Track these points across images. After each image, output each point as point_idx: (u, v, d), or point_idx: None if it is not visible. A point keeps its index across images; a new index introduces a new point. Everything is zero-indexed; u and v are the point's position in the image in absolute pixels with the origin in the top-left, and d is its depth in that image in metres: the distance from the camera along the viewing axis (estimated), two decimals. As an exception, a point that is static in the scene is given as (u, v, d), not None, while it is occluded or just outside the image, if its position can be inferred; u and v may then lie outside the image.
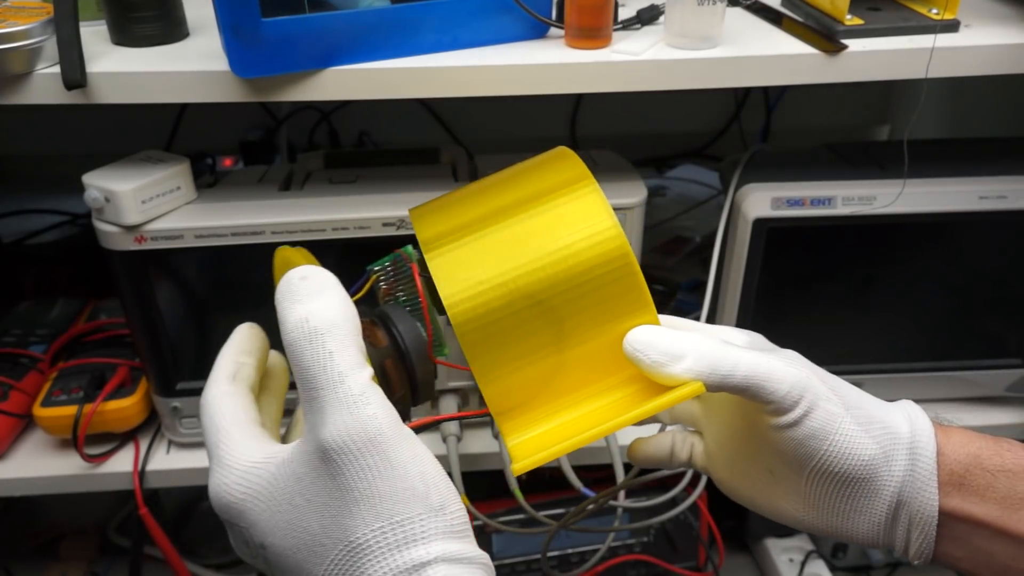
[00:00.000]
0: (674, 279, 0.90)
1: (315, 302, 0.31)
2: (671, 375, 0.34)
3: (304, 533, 0.30)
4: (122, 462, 0.73)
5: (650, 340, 0.34)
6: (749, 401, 0.36)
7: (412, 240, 0.38)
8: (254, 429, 0.34)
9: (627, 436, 0.48)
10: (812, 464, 0.36)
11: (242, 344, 0.37)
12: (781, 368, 0.35)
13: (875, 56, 0.58)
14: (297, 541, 0.30)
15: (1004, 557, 0.36)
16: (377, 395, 0.30)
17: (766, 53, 0.58)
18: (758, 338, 0.40)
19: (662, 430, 0.48)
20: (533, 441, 0.34)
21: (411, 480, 0.29)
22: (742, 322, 0.73)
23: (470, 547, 0.30)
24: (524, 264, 0.34)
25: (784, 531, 0.97)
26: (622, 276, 0.34)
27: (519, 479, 0.70)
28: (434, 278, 0.34)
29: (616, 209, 0.65)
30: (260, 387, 0.38)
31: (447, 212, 0.37)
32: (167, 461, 0.74)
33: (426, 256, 0.35)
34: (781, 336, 0.74)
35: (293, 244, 0.42)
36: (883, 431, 0.36)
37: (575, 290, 0.34)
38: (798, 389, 0.35)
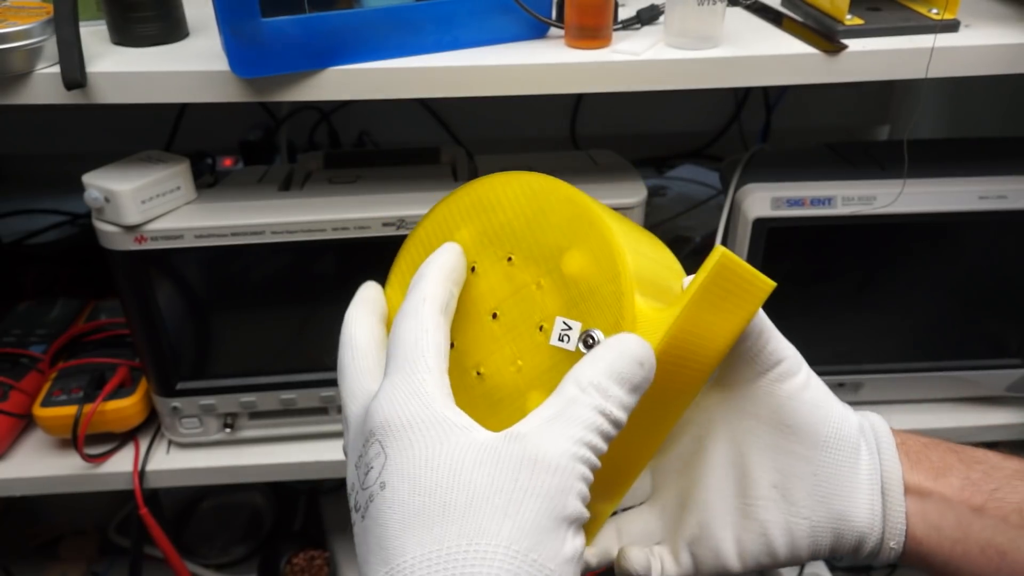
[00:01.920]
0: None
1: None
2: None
3: (434, 502, 0.27)
4: (122, 462, 0.73)
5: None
6: (755, 376, 0.37)
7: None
8: (446, 364, 0.32)
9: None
10: (820, 435, 0.36)
11: (453, 270, 0.35)
12: (782, 337, 0.37)
13: (875, 56, 0.58)
14: (422, 505, 0.27)
15: (977, 533, 0.36)
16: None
17: (766, 53, 0.58)
18: None
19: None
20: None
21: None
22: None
23: None
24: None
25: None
26: None
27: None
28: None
29: (616, 209, 0.66)
30: None
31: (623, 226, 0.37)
32: (167, 461, 0.74)
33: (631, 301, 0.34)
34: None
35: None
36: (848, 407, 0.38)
37: None
38: (797, 355, 0.37)
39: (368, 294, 0.37)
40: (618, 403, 0.30)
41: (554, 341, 0.34)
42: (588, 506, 0.30)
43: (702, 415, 0.39)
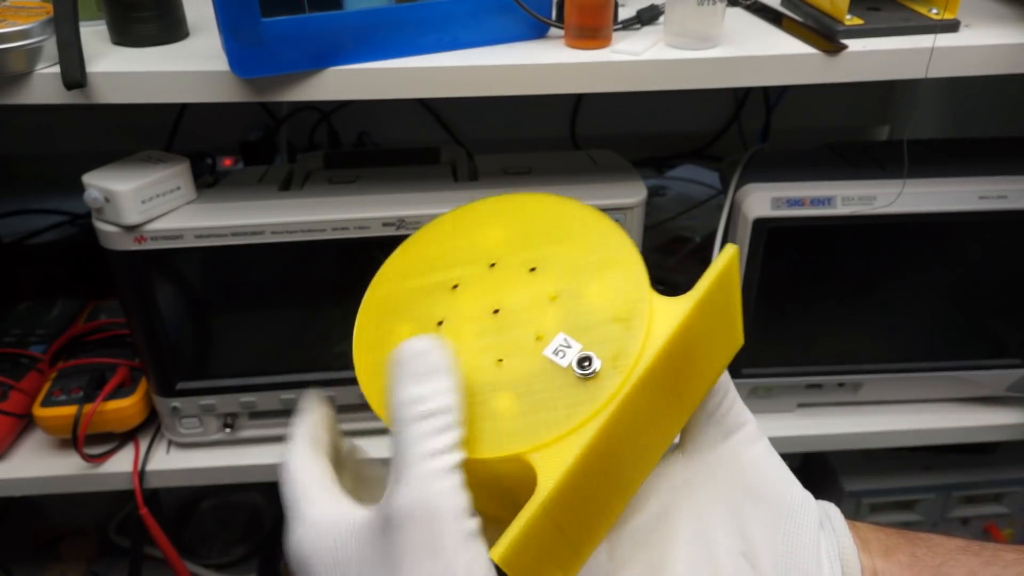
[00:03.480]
0: (674, 279, 0.90)
1: (430, 385, 0.30)
2: None
3: None
4: (122, 462, 0.73)
5: None
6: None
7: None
8: (334, 489, 0.33)
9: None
10: (788, 499, 0.36)
11: (321, 420, 0.37)
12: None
13: (875, 56, 0.58)
14: None
15: None
16: (456, 478, 0.29)
17: (766, 53, 0.58)
18: None
19: None
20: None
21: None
22: (742, 321, 0.73)
23: None
24: None
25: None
26: None
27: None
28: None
29: (616, 209, 0.66)
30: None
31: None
32: (167, 461, 0.74)
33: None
34: (781, 336, 0.75)
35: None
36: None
37: None
38: (756, 422, 0.37)
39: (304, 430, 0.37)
40: (427, 393, 0.29)
41: (548, 352, 0.33)
42: None
43: (663, 483, 0.38)
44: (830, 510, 0.37)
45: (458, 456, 0.29)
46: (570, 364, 0.32)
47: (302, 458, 0.34)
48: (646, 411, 0.33)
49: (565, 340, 0.33)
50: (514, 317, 0.34)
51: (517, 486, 0.31)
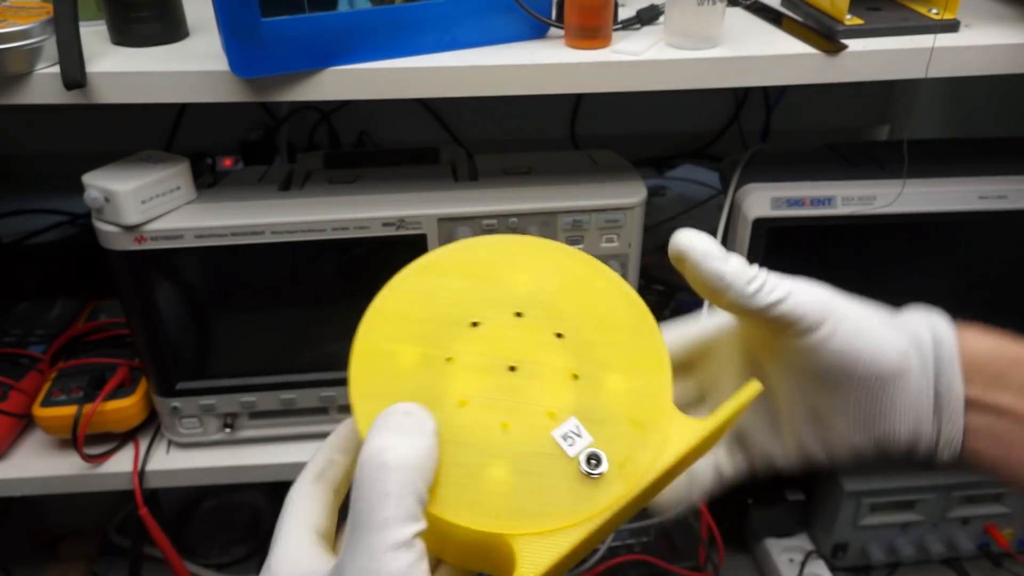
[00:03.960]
0: (674, 279, 0.90)
1: (402, 439, 0.29)
2: (720, 271, 0.35)
3: None
4: (122, 462, 0.73)
5: (698, 240, 0.36)
6: (775, 331, 0.37)
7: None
8: (313, 538, 0.33)
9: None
10: (859, 370, 0.36)
11: (340, 442, 0.36)
12: (803, 288, 0.36)
13: (875, 56, 0.58)
14: None
15: None
16: (413, 555, 0.27)
17: (766, 53, 0.58)
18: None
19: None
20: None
21: None
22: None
23: None
24: None
25: (784, 531, 0.97)
26: None
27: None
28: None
29: (616, 209, 0.66)
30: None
31: None
32: (167, 461, 0.74)
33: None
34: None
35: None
36: (905, 325, 0.38)
37: None
38: (819, 305, 0.36)
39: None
40: (398, 444, 0.29)
41: (557, 434, 0.31)
42: None
43: (731, 372, 0.41)
44: (942, 337, 0.38)
45: (418, 526, 0.28)
46: (577, 456, 0.31)
47: (299, 494, 0.34)
48: (628, 511, 0.32)
49: (577, 427, 0.32)
50: (530, 382, 0.33)
51: (491, 554, 0.31)
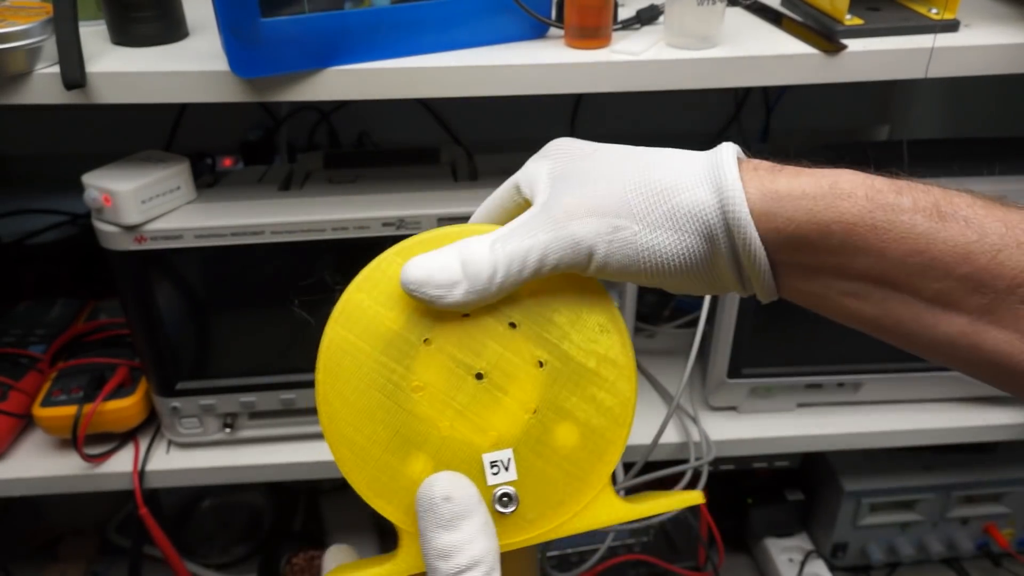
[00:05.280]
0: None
1: (462, 533, 0.31)
2: (453, 304, 0.32)
3: None
4: (122, 462, 0.73)
5: (421, 277, 0.32)
6: None
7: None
8: None
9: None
10: (646, 283, 0.34)
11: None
12: (552, 239, 0.33)
13: (875, 56, 0.58)
14: None
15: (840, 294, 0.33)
16: None
17: (766, 53, 0.58)
18: (564, 170, 0.37)
19: None
20: None
21: None
22: (743, 322, 0.73)
23: None
24: None
25: (784, 531, 0.97)
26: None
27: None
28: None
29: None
30: None
31: None
32: (167, 461, 0.74)
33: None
34: (782, 336, 0.75)
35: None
36: (689, 216, 0.33)
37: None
38: (576, 248, 0.33)
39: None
40: (459, 542, 0.31)
41: (487, 458, 0.33)
42: None
43: None
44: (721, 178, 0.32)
45: None
46: (494, 487, 0.33)
47: None
48: (521, 555, 0.34)
49: (508, 461, 0.33)
50: (490, 396, 0.34)
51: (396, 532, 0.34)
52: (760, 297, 0.35)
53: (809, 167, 0.34)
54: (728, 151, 0.33)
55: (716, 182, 0.32)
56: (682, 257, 0.33)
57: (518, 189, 0.39)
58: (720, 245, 0.33)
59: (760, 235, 0.32)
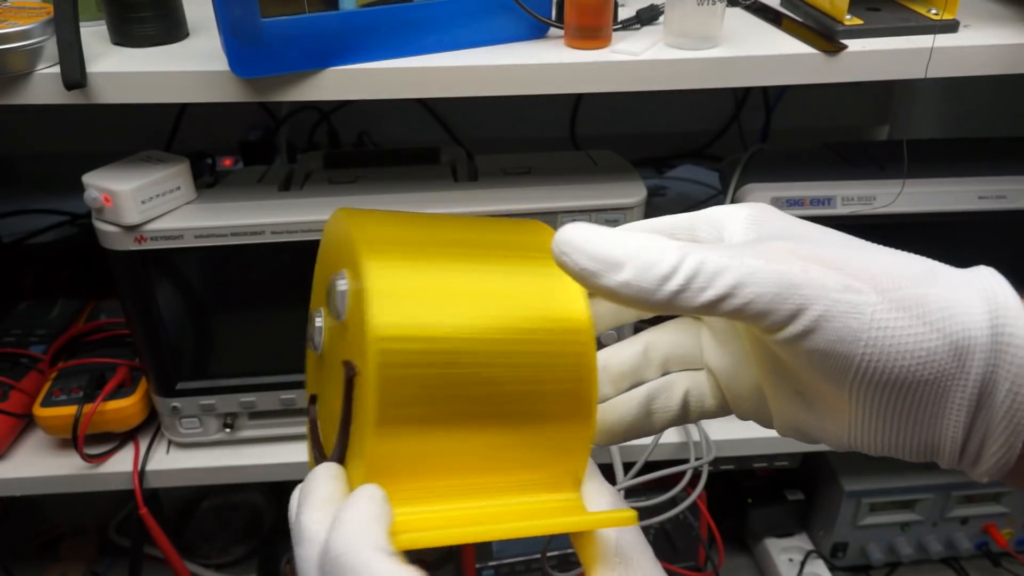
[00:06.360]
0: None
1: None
2: (604, 288, 0.26)
3: None
4: (122, 462, 0.73)
5: (582, 240, 0.26)
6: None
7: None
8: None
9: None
10: (851, 377, 0.26)
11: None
12: (760, 269, 0.25)
13: (875, 56, 0.58)
14: None
15: None
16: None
17: (766, 53, 0.58)
18: (768, 222, 0.30)
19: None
20: (427, 517, 0.28)
21: None
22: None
23: None
24: (481, 329, 0.29)
25: (784, 531, 0.97)
26: (577, 384, 0.30)
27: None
28: (372, 291, 0.27)
29: (616, 209, 0.66)
30: None
31: (398, 223, 0.31)
32: (167, 461, 0.74)
33: (367, 259, 0.28)
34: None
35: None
36: (945, 314, 0.26)
37: (526, 383, 0.29)
38: (789, 291, 0.25)
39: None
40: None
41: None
42: None
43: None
44: (1002, 319, 0.26)
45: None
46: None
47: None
48: None
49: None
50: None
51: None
52: (981, 469, 0.27)
53: None
54: (997, 274, 0.28)
55: (987, 291, 0.27)
56: (919, 358, 0.25)
57: (693, 227, 0.31)
58: (971, 368, 0.26)
59: None
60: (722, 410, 0.34)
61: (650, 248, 0.26)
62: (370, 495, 0.27)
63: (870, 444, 0.29)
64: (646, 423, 0.34)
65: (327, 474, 0.29)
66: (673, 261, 0.25)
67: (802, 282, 0.26)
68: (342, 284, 0.30)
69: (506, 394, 0.29)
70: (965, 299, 0.26)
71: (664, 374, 0.35)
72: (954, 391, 0.26)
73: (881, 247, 0.29)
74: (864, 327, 0.26)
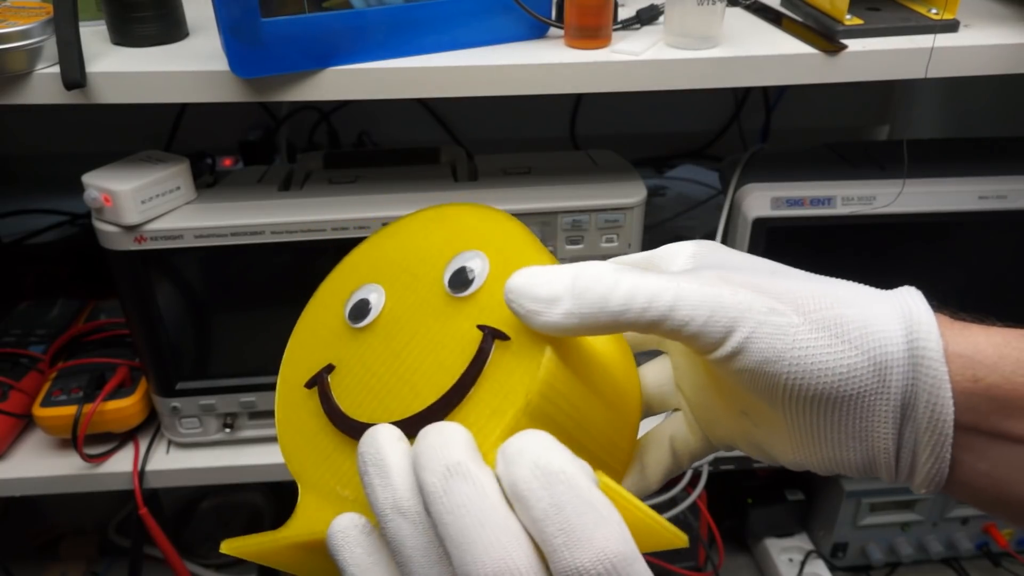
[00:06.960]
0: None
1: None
2: (549, 324, 0.27)
3: None
4: (122, 462, 0.73)
5: (525, 284, 0.27)
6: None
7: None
8: None
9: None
10: (779, 395, 0.28)
11: None
12: (693, 292, 0.27)
13: (875, 56, 0.58)
14: None
15: None
16: None
17: (766, 53, 0.58)
18: (710, 255, 0.32)
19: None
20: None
21: None
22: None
23: None
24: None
25: (784, 531, 0.97)
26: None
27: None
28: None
29: (616, 209, 0.66)
30: None
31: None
32: (167, 461, 0.74)
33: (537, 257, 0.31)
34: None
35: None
36: (862, 332, 0.27)
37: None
38: (720, 313, 0.27)
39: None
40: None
41: None
42: None
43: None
44: (921, 341, 0.27)
45: None
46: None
47: None
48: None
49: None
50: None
51: None
52: (917, 481, 0.29)
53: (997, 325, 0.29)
54: (915, 292, 0.30)
55: (903, 309, 0.28)
56: (839, 374, 0.27)
57: (649, 261, 0.34)
58: (891, 383, 0.27)
59: (952, 385, 0.27)
60: (705, 445, 0.36)
61: (584, 275, 0.27)
62: (542, 436, 0.26)
63: (814, 462, 0.30)
64: (642, 483, 0.36)
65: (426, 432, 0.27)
66: (609, 284, 0.27)
67: (731, 304, 0.27)
68: (477, 261, 0.31)
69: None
70: (883, 317, 0.28)
71: (647, 414, 0.37)
72: (879, 406, 0.28)
73: (813, 275, 0.31)
74: (787, 347, 0.27)
